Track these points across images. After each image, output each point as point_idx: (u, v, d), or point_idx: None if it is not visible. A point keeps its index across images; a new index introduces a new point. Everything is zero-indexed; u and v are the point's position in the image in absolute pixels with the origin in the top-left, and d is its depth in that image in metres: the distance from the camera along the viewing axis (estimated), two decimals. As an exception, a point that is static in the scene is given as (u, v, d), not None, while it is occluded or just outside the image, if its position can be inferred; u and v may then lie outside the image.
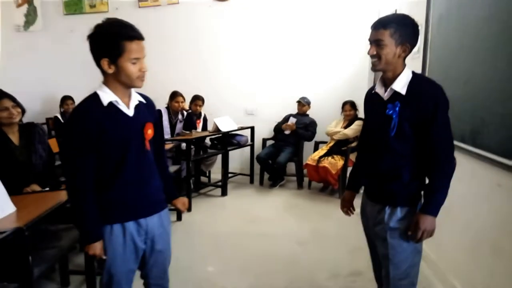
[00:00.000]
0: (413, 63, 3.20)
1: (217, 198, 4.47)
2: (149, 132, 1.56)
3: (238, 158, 5.45)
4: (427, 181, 1.61)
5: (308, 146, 5.00)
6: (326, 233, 3.38)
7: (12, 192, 2.24)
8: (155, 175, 1.63)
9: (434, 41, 2.82)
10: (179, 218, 3.70)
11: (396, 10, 3.95)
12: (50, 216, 2.29)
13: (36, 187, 2.53)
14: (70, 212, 1.48)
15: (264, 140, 5.16)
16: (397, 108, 1.51)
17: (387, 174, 1.59)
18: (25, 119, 5.34)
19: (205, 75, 5.47)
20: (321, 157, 4.47)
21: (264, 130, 5.32)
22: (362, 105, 4.75)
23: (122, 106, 1.48)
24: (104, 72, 1.44)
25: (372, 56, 1.54)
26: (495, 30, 1.93)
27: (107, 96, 1.45)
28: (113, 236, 1.51)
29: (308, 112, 5.05)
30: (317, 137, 4.96)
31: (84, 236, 1.49)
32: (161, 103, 4.67)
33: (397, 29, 1.47)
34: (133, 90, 1.54)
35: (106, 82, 1.47)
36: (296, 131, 4.83)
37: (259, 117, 5.45)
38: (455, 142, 2.33)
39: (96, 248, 1.47)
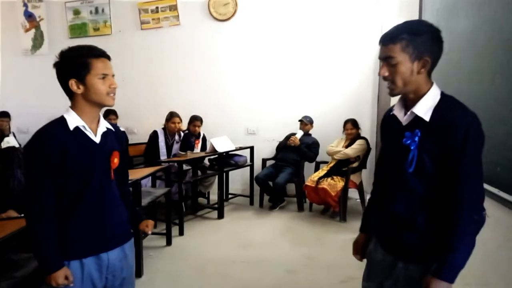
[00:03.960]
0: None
1: (213, 221, 4.35)
2: (115, 160, 1.51)
3: (239, 179, 5.34)
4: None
5: (309, 166, 4.85)
6: (319, 260, 3.19)
7: (-14, 217, 2.21)
8: (118, 206, 1.56)
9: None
10: (169, 242, 3.59)
11: (381, 28, 3.83)
12: (19, 244, 2.25)
13: (13, 213, 2.48)
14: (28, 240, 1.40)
15: (264, 160, 5.04)
16: (416, 138, 1.21)
17: (400, 219, 1.29)
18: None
19: (206, 95, 5.43)
20: (320, 178, 4.30)
21: (265, 150, 5.21)
22: (364, 123, 4.68)
23: (88, 132, 1.44)
24: (71, 96, 1.42)
25: (384, 78, 1.26)
26: (481, 45, 1.80)
27: (74, 120, 1.41)
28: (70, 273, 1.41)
29: (310, 132, 4.92)
30: (319, 157, 4.81)
31: (44, 265, 1.38)
32: (158, 124, 4.66)
33: (410, 41, 1.19)
34: (101, 117, 1.51)
35: (73, 107, 1.43)
36: (300, 147, 4.70)
37: (260, 137, 5.35)
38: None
39: (59, 277, 1.36)
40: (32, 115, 5.79)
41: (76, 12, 5.63)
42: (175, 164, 4.07)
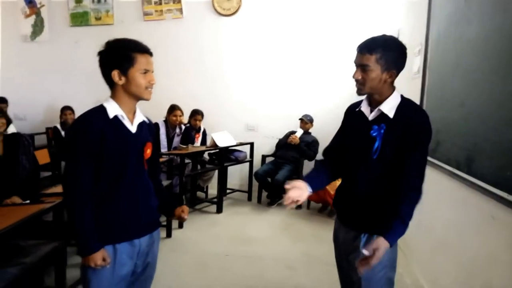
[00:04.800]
0: (413, 83, 3.10)
1: (212, 215, 4.36)
2: (148, 151, 1.56)
3: (237, 174, 5.36)
4: None
5: (308, 164, 4.88)
6: (318, 257, 3.23)
7: (-9, 203, 2.21)
8: (150, 195, 1.60)
9: (433, 61, 2.72)
10: (169, 235, 3.60)
11: (398, 30, 3.87)
12: (25, 230, 2.24)
13: (17, 199, 2.48)
14: (63, 221, 1.39)
15: (264, 157, 5.06)
16: (382, 131, 1.44)
17: (364, 198, 1.50)
18: (26, 128, 5.43)
19: (208, 89, 5.43)
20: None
21: (265, 147, 5.23)
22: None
23: (126, 122, 1.49)
24: (112, 86, 1.48)
25: (356, 81, 1.47)
26: (492, 51, 1.82)
27: (113, 109, 1.46)
28: None
29: (310, 130, 4.95)
30: (318, 156, 4.84)
31: (83, 247, 1.42)
32: (159, 116, 4.64)
33: (383, 55, 1.40)
34: (138, 109, 1.56)
35: (113, 96, 1.48)
36: (299, 146, 4.73)
37: (260, 133, 5.37)
38: (450, 168, 2.22)
39: (97, 258, 1.40)
40: (30, 102, 5.76)
41: (78, 1, 5.57)
42: (175, 157, 4.08)
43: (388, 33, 1.53)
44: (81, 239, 1.42)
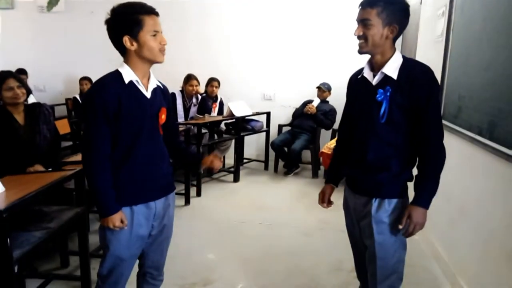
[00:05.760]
0: (436, 46, 2.98)
1: (229, 184, 4.42)
2: (163, 117, 1.57)
3: (254, 144, 5.36)
4: (415, 172, 1.49)
5: (325, 133, 4.84)
6: (333, 225, 3.25)
7: (16, 171, 2.27)
8: (165, 159, 1.63)
9: (457, 24, 2.59)
10: (187, 202, 3.68)
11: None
12: (48, 197, 2.32)
13: (40, 167, 2.55)
14: (84, 188, 1.43)
15: (280, 127, 5.03)
16: (388, 93, 1.41)
17: (375, 164, 1.49)
18: (46, 99, 5.51)
19: (223, 59, 5.37)
20: (337, 145, 4.30)
21: (281, 116, 5.21)
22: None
23: (141, 87, 1.49)
24: (124, 52, 1.46)
25: (358, 37, 1.44)
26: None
27: (128, 74, 1.46)
28: None
29: (328, 99, 4.87)
30: (335, 125, 4.79)
31: (102, 208, 1.46)
32: (175, 86, 4.63)
33: (384, 8, 1.38)
34: (152, 74, 1.56)
35: (127, 61, 1.47)
36: (316, 115, 4.68)
37: (277, 103, 5.33)
38: (472, 134, 2.16)
39: (116, 219, 1.45)
40: (48, 73, 5.83)
41: (92, -31, 5.49)
42: (192, 127, 4.09)
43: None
44: (100, 201, 1.46)
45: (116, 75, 1.46)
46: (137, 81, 1.47)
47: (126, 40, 1.41)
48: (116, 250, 1.52)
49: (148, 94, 1.51)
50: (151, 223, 1.58)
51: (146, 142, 1.50)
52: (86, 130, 1.48)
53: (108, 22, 1.44)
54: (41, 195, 1.81)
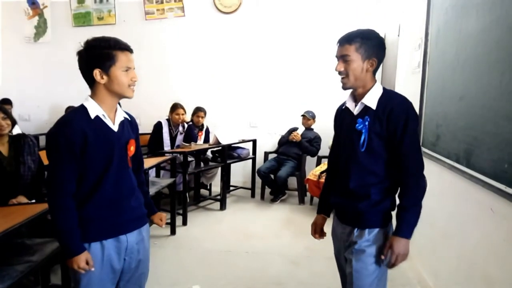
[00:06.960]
0: (414, 77, 3.10)
1: (216, 212, 4.40)
2: (132, 148, 1.58)
3: (240, 171, 5.38)
4: (397, 201, 1.52)
5: (310, 160, 4.90)
6: (320, 252, 3.24)
7: (-2, 203, 2.24)
8: (135, 191, 1.61)
9: (432, 56, 2.72)
10: (173, 232, 3.64)
11: (399, 26, 3.86)
12: (31, 229, 2.28)
13: (23, 199, 2.51)
14: (51, 224, 1.43)
15: (266, 154, 5.09)
16: (366, 123, 1.47)
17: (357, 192, 1.52)
18: (31, 129, 5.47)
19: (210, 87, 5.46)
20: (322, 172, 4.35)
21: (267, 144, 5.27)
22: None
23: (108, 121, 1.48)
24: (92, 85, 1.46)
25: (340, 73, 1.51)
26: (491, 44, 1.83)
27: (94, 109, 1.45)
28: (91, 255, 1.45)
29: (313, 126, 4.96)
30: (321, 152, 4.86)
31: (67, 250, 1.43)
32: (162, 115, 4.67)
33: (362, 44, 1.46)
34: (119, 107, 1.55)
35: (94, 95, 1.47)
36: (301, 142, 4.75)
37: (263, 130, 5.40)
38: (450, 162, 2.23)
39: (80, 260, 1.41)
40: (34, 103, 5.81)
41: (80, 1, 5.59)
42: (179, 155, 4.11)
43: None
44: (64, 241, 1.43)
45: (81, 111, 1.45)
46: (103, 115, 1.47)
47: (96, 73, 1.42)
48: (87, 287, 1.48)
49: (115, 128, 1.50)
50: (123, 257, 1.54)
51: (115, 175, 1.49)
52: (50, 169, 1.44)
53: (80, 53, 1.45)
54: (24, 228, 1.79)
